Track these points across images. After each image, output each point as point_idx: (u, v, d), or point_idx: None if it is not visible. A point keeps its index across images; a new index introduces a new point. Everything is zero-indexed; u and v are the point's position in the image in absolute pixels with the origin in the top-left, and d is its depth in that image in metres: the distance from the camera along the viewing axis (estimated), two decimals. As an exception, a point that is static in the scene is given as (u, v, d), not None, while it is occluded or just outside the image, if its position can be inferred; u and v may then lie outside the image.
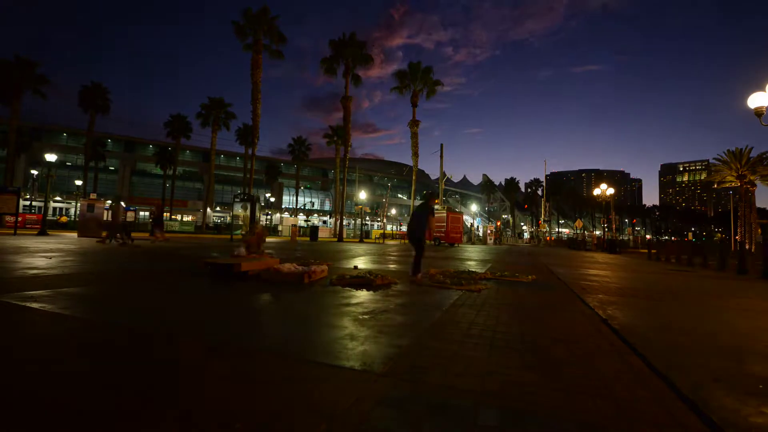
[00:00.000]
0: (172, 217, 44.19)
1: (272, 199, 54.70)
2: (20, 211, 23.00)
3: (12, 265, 5.93)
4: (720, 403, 1.81)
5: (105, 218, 9.12)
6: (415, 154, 32.47)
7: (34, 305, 3.27)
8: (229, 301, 4.10)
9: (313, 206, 60.30)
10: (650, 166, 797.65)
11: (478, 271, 7.56)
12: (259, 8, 25.55)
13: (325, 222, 58.11)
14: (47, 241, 12.37)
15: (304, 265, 5.93)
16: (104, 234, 7.14)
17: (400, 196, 69.54)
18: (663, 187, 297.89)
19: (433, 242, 28.46)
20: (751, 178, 30.88)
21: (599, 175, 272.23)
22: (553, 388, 1.94)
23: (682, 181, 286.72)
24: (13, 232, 17.35)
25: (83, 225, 17.85)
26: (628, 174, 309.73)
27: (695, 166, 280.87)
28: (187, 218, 48.80)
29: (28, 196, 38.41)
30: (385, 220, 48.76)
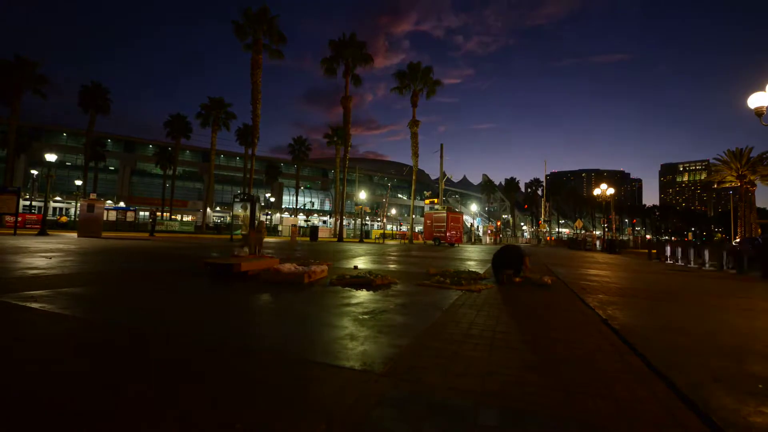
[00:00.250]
0: (172, 217, 44.24)
1: (272, 199, 54.71)
2: (20, 211, 23.00)
3: (12, 265, 5.93)
4: (720, 402, 1.81)
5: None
6: (415, 154, 32.47)
7: (34, 305, 3.27)
8: (228, 301, 4.10)
9: (313, 206, 60.33)
10: (650, 166, 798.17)
11: (478, 271, 7.56)
12: (258, 8, 25.55)
13: (325, 222, 58.15)
14: (47, 241, 12.37)
15: (304, 265, 5.92)
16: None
17: (400, 196, 69.57)
18: (663, 187, 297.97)
19: (433, 242, 28.48)
20: (751, 178, 30.88)
21: (599, 175, 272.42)
22: (553, 388, 1.94)
23: (682, 181, 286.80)
24: (13, 232, 17.35)
25: (83, 225, 17.83)
26: (628, 174, 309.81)
27: (695, 166, 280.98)
28: (187, 218, 48.83)
29: (28, 196, 38.41)
30: (385, 220, 48.77)
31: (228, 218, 47.50)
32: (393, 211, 63.02)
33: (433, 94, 32.42)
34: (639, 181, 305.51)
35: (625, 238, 63.36)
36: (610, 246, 24.49)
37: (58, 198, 43.82)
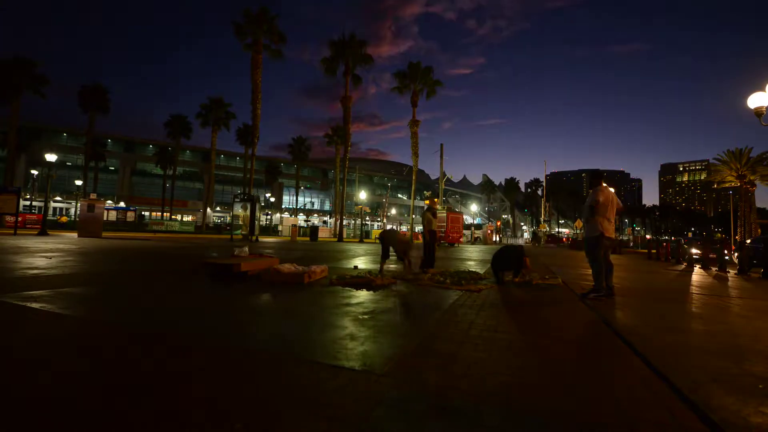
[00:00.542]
0: (172, 217, 44.24)
1: (272, 199, 54.70)
2: (20, 211, 22.99)
3: (12, 265, 5.93)
4: (720, 403, 1.81)
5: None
6: (415, 154, 32.49)
7: (35, 305, 3.27)
8: (228, 301, 4.10)
9: (313, 206, 60.33)
10: (650, 166, 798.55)
11: (478, 271, 7.56)
12: (259, 8, 25.55)
13: (325, 222, 58.14)
14: (47, 241, 12.37)
15: (304, 265, 5.93)
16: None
17: (400, 196, 69.58)
18: (663, 187, 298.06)
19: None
20: (751, 178, 30.87)
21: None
22: (553, 388, 1.94)
23: (682, 181, 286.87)
24: (13, 232, 17.34)
25: (83, 225, 17.83)
26: (628, 174, 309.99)
27: (695, 166, 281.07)
28: (187, 218, 48.83)
29: (28, 196, 38.43)
30: (385, 220, 48.78)
31: (228, 218, 47.47)
32: (393, 211, 63.06)
33: (434, 94, 32.43)
34: (639, 181, 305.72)
35: (625, 238, 63.35)
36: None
37: (58, 198, 43.83)
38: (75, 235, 18.07)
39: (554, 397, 1.83)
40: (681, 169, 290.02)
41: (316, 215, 59.33)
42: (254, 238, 21.10)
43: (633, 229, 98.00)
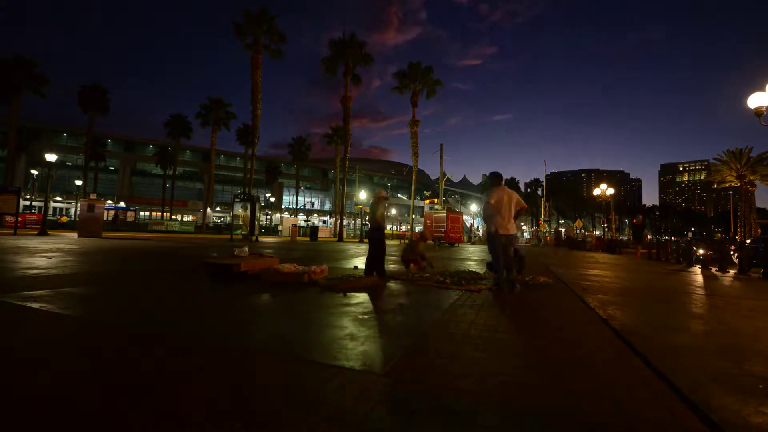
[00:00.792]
0: (173, 217, 44.24)
1: (272, 199, 54.71)
2: (20, 211, 22.99)
3: (12, 265, 5.93)
4: (720, 403, 1.81)
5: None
6: (415, 154, 32.50)
7: (35, 305, 3.27)
8: (228, 301, 4.10)
9: (313, 206, 60.32)
10: (650, 166, 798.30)
11: (478, 271, 7.56)
12: (259, 9, 25.55)
13: (325, 222, 58.14)
14: (47, 241, 12.36)
15: (304, 265, 5.92)
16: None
17: (400, 196, 69.55)
18: (663, 187, 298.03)
19: (433, 242, 28.46)
20: (751, 178, 30.90)
21: (599, 175, 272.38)
22: (553, 388, 1.94)
23: (682, 181, 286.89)
24: (13, 232, 17.34)
25: (83, 225, 17.83)
26: (628, 174, 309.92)
27: (695, 166, 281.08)
28: (188, 218, 48.84)
29: (28, 196, 38.43)
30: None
31: (228, 218, 47.47)
32: (393, 211, 63.03)
33: (434, 94, 32.44)
34: (639, 181, 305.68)
35: (625, 238, 63.34)
36: (610, 246, 24.47)
37: (58, 198, 43.84)
38: (75, 235, 18.07)
39: (554, 397, 1.83)
40: (681, 169, 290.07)
41: (316, 215, 59.34)
42: (254, 238, 21.10)
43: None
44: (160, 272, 6.12)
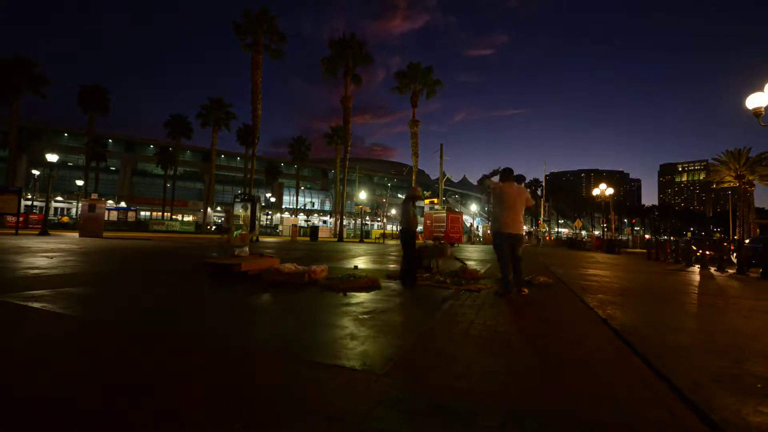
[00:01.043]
0: (173, 217, 44.25)
1: (272, 199, 54.71)
2: (22, 211, 22.97)
3: (13, 265, 5.94)
4: (720, 402, 1.81)
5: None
6: (415, 154, 32.53)
7: (36, 305, 3.28)
8: (228, 301, 4.10)
9: (313, 206, 60.33)
10: (649, 166, 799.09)
11: (479, 270, 7.55)
12: (259, 9, 25.55)
13: (325, 222, 58.14)
14: (48, 241, 12.37)
15: (305, 264, 5.93)
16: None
17: (400, 196, 69.55)
18: (662, 187, 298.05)
19: (433, 242, 28.41)
20: (750, 178, 30.91)
21: (599, 175, 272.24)
22: (553, 388, 1.95)
23: (681, 181, 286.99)
24: (14, 232, 17.35)
25: (84, 225, 17.83)
26: (628, 174, 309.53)
27: (694, 166, 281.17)
28: (188, 218, 48.85)
29: (29, 196, 38.39)
30: (385, 220, 48.74)
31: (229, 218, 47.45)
32: (393, 211, 63.01)
33: (434, 94, 32.46)
34: (638, 181, 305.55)
35: (625, 237, 63.30)
36: (610, 246, 24.46)
37: (59, 198, 43.81)
38: (76, 235, 18.08)
39: (554, 397, 1.83)
40: (680, 169, 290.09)
41: (316, 215, 59.33)
42: (254, 238, 21.11)
43: (632, 229, 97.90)
44: (161, 272, 6.13)
